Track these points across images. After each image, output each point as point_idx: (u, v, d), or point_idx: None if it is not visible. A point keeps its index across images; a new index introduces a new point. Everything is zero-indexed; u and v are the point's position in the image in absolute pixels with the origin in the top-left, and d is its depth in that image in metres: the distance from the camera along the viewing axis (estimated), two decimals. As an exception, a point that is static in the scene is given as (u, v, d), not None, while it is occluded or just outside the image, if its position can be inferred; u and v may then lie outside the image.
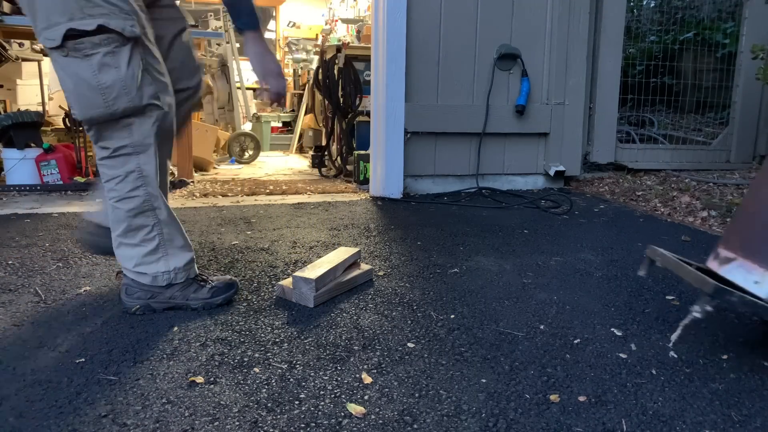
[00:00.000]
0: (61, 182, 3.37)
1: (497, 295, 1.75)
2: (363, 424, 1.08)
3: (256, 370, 1.27)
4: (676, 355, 1.38)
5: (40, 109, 5.37)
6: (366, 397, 1.17)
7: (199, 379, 1.22)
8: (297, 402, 1.14)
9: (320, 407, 1.13)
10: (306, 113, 5.74)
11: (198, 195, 3.28)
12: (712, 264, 1.43)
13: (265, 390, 1.19)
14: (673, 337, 1.31)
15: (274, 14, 9.02)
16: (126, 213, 1.48)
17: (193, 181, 3.61)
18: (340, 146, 4.11)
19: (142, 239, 1.51)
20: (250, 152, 5.09)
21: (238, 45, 5.96)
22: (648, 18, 4.26)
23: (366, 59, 3.92)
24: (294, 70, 6.47)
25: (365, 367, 1.29)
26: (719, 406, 1.17)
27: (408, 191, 3.32)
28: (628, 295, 1.78)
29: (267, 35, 9.12)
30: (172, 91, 1.49)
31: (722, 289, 1.25)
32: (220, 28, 5.59)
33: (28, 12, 1.34)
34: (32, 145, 3.39)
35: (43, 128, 3.94)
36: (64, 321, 1.50)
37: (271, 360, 1.31)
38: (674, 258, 1.42)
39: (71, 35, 1.30)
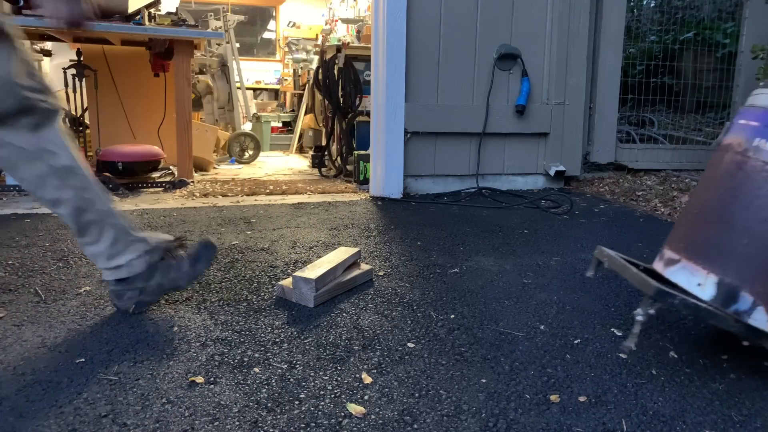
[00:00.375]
0: (61, 182, 3.36)
1: (497, 295, 1.75)
2: (363, 424, 1.08)
3: (256, 370, 1.27)
4: (676, 355, 1.38)
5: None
6: (366, 397, 1.17)
7: (199, 379, 1.22)
8: (297, 402, 1.14)
9: (320, 407, 1.13)
10: (306, 113, 5.74)
11: (198, 195, 3.28)
12: (658, 265, 1.39)
13: (265, 390, 1.19)
14: (626, 345, 1.24)
15: (274, 14, 9.03)
16: (74, 220, 1.48)
17: (193, 181, 3.61)
18: (340, 146, 4.11)
19: (96, 239, 1.49)
20: (250, 152, 5.09)
21: (238, 45, 5.96)
22: (648, 18, 4.26)
23: (366, 59, 3.92)
24: (294, 70, 6.47)
25: (365, 367, 1.29)
26: (719, 406, 1.17)
27: (408, 191, 3.32)
28: (628, 295, 1.78)
29: (267, 35, 9.13)
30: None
31: (664, 292, 1.21)
32: (220, 28, 5.59)
33: None
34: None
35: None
36: (64, 321, 1.50)
37: (271, 360, 1.31)
38: (621, 259, 1.38)
39: None
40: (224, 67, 5.37)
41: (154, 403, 1.13)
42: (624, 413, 1.13)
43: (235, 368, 1.27)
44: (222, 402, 1.14)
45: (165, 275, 1.56)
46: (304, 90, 6.03)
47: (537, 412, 1.13)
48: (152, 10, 3.48)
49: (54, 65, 5.80)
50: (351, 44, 4.14)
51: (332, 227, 2.53)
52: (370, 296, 1.72)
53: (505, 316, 1.59)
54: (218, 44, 5.78)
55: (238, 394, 1.17)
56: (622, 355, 1.37)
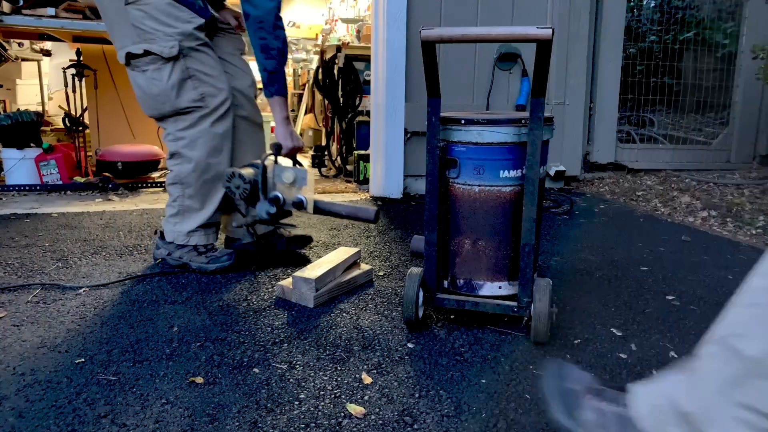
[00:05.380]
0: (60, 182, 3.37)
1: (497, 295, 1.75)
2: (363, 425, 1.07)
3: (256, 370, 1.27)
4: (676, 355, 1.38)
5: (39, 109, 5.38)
6: (366, 398, 1.17)
7: (199, 380, 1.22)
8: (297, 402, 1.14)
9: (320, 407, 1.13)
10: (306, 113, 5.73)
11: (198, 195, 3.28)
12: None
13: (264, 390, 1.18)
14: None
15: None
16: (167, 180, 1.88)
17: (193, 181, 3.61)
18: (340, 146, 4.11)
19: (169, 203, 1.89)
20: (250, 152, 5.08)
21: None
22: (648, 18, 4.26)
23: (366, 59, 3.91)
24: (294, 70, 6.47)
25: (365, 367, 1.29)
26: (719, 406, 1.17)
27: (408, 191, 3.32)
28: (628, 295, 1.77)
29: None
30: (225, 89, 1.82)
31: None
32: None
33: (111, 37, 1.79)
34: (32, 145, 3.39)
35: (42, 128, 3.94)
36: (63, 321, 1.50)
37: (270, 360, 1.31)
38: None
39: (132, 56, 1.73)
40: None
41: (153, 404, 1.13)
42: (624, 413, 1.13)
43: (234, 368, 1.27)
44: (221, 402, 1.14)
45: (188, 254, 1.89)
46: (303, 90, 6.02)
47: (537, 412, 1.12)
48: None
49: (54, 65, 5.81)
50: (351, 44, 4.13)
51: (332, 227, 2.53)
52: (370, 296, 1.72)
53: (505, 315, 1.59)
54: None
55: (237, 395, 1.17)
56: (622, 355, 1.37)
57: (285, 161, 1.77)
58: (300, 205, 1.68)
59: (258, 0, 1.72)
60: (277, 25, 1.77)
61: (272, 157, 1.71)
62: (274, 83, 1.83)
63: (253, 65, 1.94)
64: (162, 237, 1.92)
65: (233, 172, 1.68)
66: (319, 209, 1.72)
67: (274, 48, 1.78)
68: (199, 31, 1.77)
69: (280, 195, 1.68)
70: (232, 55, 1.97)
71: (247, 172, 1.73)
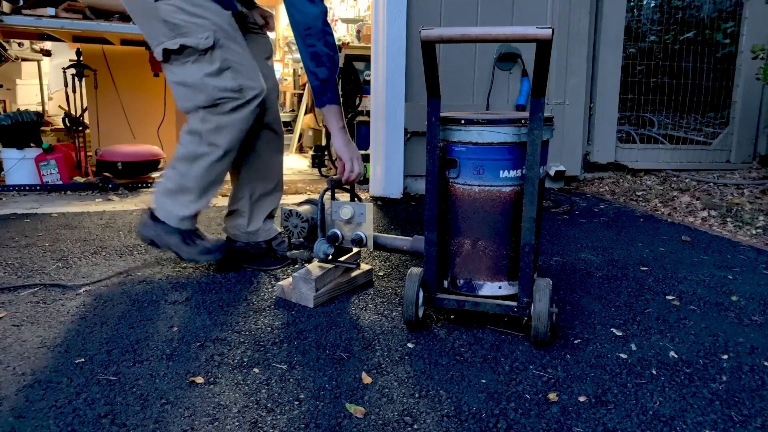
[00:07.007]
0: (60, 182, 3.37)
1: (497, 295, 1.75)
2: (363, 425, 1.07)
3: (256, 370, 1.27)
4: (676, 355, 1.38)
5: (39, 109, 5.38)
6: (366, 398, 1.17)
7: (199, 380, 1.22)
8: (297, 402, 1.14)
9: (320, 407, 1.13)
10: (306, 113, 5.73)
11: (198, 195, 3.28)
12: None
13: (264, 390, 1.19)
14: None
15: (273, 14, 9.03)
16: (176, 153, 1.81)
17: (193, 181, 3.61)
18: (340, 146, 4.10)
19: (169, 175, 1.82)
20: (250, 152, 5.08)
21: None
22: (648, 18, 4.26)
23: (366, 59, 3.91)
24: (294, 69, 6.46)
25: (365, 367, 1.29)
26: (719, 406, 1.17)
27: (408, 191, 3.32)
28: (628, 295, 1.78)
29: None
30: (262, 82, 1.78)
31: None
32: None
33: (145, 35, 1.77)
34: (32, 145, 3.39)
35: (42, 128, 3.94)
36: (63, 321, 1.50)
37: (270, 360, 1.31)
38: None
39: (168, 51, 1.71)
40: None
41: (153, 404, 1.13)
42: (624, 413, 1.13)
43: (234, 368, 1.27)
44: (222, 402, 1.14)
45: (178, 241, 1.84)
46: (304, 90, 6.02)
47: (537, 413, 1.13)
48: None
49: (54, 65, 5.81)
50: (351, 44, 4.13)
51: (332, 227, 2.53)
52: (370, 296, 1.72)
53: (504, 315, 1.59)
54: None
55: (237, 395, 1.17)
56: (623, 355, 1.37)
57: (344, 196, 1.74)
58: (360, 242, 1.66)
59: (303, 5, 1.67)
60: (326, 30, 1.71)
61: (329, 193, 1.67)
62: (327, 92, 1.75)
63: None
64: (152, 217, 1.84)
65: (290, 211, 1.66)
66: (380, 245, 1.70)
67: (323, 55, 1.70)
68: (233, 22, 1.75)
69: (338, 232, 1.66)
70: (259, 59, 1.92)
71: (305, 209, 1.72)
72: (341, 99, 3.93)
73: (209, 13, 1.70)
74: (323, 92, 1.74)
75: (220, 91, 1.72)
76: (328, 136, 4.28)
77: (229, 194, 2.08)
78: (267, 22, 2.01)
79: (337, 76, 1.76)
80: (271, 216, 2.08)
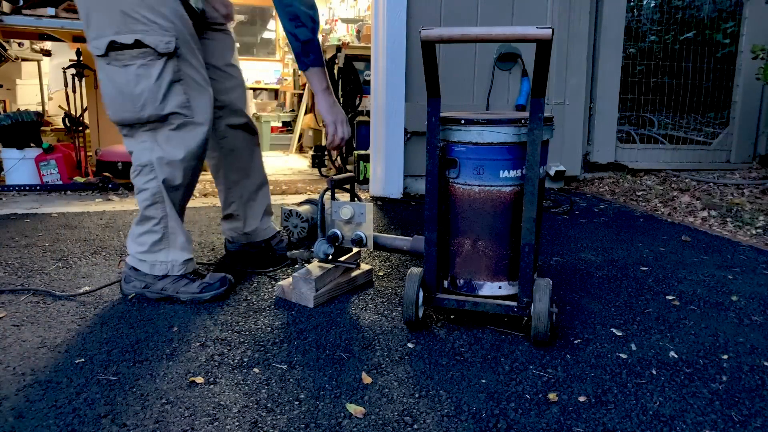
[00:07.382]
0: (60, 182, 3.37)
1: (497, 295, 1.75)
2: (363, 425, 1.07)
3: (256, 370, 1.27)
4: (676, 355, 1.38)
5: (39, 109, 5.38)
6: (366, 398, 1.17)
7: (199, 380, 1.22)
8: (297, 402, 1.14)
9: (320, 407, 1.13)
10: (306, 113, 5.73)
11: (198, 195, 3.28)
12: None
13: (264, 390, 1.19)
14: None
15: (273, 14, 9.03)
16: (141, 203, 1.63)
17: (193, 181, 3.60)
18: (340, 146, 4.10)
19: (149, 229, 1.63)
20: (250, 152, 5.08)
21: (238, 45, 5.95)
22: (648, 18, 4.26)
23: (366, 59, 3.92)
24: (294, 69, 6.47)
25: (365, 367, 1.29)
26: (719, 406, 1.17)
27: (408, 191, 3.32)
28: (628, 295, 1.77)
29: (267, 35, 9.13)
30: (210, 102, 1.62)
31: None
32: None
33: (84, 23, 1.52)
34: (32, 145, 3.39)
35: (42, 128, 3.94)
36: (63, 321, 1.50)
37: (270, 360, 1.31)
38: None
39: (114, 47, 1.48)
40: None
41: (153, 404, 1.13)
42: (624, 413, 1.13)
43: (234, 368, 1.27)
44: (222, 402, 1.14)
45: (173, 284, 1.65)
46: (303, 90, 6.02)
47: (537, 413, 1.13)
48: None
49: (54, 65, 5.81)
50: (351, 44, 4.14)
51: (332, 227, 2.53)
52: (370, 296, 1.72)
53: (504, 315, 1.59)
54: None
55: (237, 395, 1.17)
56: (623, 355, 1.37)
57: (344, 196, 1.73)
58: (360, 242, 1.65)
59: None
60: None
61: (329, 193, 1.66)
62: (309, 53, 1.63)
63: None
64: (133, 268, 1.65)
65: (290, 211, 1.65)
66: (380, 245, 1.69)
67: (302, 14, 1.59)
68: (194, 33, 1.59)
69: (338, 232, 1.66)
70: (222, 61, 1.81)
71: (305, 209, 1.71)
72: (341, 99, 3.94)
73: (176, 18, 1.52)
74: (305, 54, 1.65)
75: (170, 106, 1.54)
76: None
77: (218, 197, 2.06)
78: (228, 11, 1.83)
79: (318, 35, 1.66)
80: (268, 213, 2.04)
